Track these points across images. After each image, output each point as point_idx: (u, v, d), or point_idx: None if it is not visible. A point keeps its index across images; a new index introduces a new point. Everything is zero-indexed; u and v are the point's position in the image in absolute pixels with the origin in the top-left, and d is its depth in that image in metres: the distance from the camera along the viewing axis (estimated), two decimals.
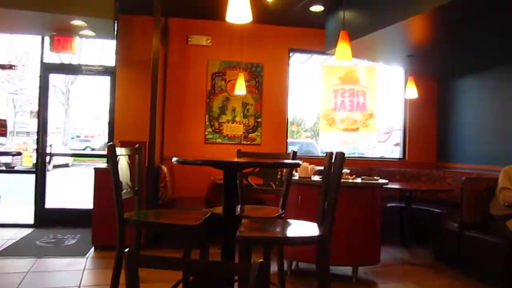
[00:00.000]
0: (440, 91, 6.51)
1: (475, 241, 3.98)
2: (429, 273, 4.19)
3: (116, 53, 5.60)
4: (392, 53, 5.40)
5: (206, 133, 5.76)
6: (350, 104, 6.09)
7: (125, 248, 1.27)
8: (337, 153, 1.91)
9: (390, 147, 6.52)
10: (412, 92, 5.34)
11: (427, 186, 5.34)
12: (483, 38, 4.40)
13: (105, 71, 5.73)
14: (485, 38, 4.39)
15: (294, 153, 2.89)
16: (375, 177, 4.10)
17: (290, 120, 6.42)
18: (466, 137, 5.94)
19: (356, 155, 7.04)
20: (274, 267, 2.89)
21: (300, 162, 2.58)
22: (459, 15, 3.81)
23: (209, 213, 2.34)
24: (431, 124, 6.55)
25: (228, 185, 2.22)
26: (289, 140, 6.33)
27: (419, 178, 5.92)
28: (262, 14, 5.16)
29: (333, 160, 1.97)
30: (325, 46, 5.63)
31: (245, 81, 5.53)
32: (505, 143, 5.21)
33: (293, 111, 15.44)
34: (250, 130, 5.86)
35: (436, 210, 5.06)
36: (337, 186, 1.94)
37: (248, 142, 5.84)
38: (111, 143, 2.47)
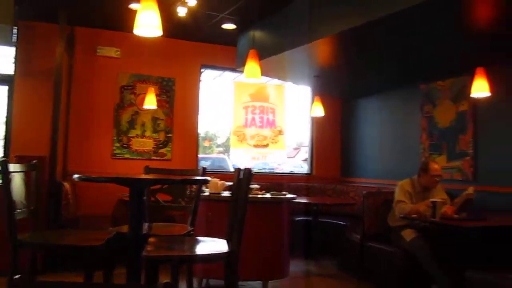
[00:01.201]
0: (344, 110, 6.91)
1: (375, 251, 4.24)
2: (333, 284, 4.38)
3: (15, 61, 5.21)
4: (299, 73, 5.64)
5: (114, 148, 5.53)
6: (260, 121, 6.23)
7: (18, 274, 1.17)
8: (245, 169, 1.94)
9: (299, 163, 6.79)
10: (318, 111, 5.60)
11: (332, 200, 5.61)
12: (382, 62, 4.77)
13: (1, 80, 5.29)
14: (385, 62, 4.76)
15: (204, 169, 2.88)
16: (283, 192, 4.21)
17: (202, 135, 6.40)
18: (368, 154, 6.34)
19: (267, 171, 7.21)
20: (183, 286, 2.83)
21: (209, 178, 2.57)
22: (360, 40, 4.10)
23: (114, 233, 2.24)
24: (336, 141, 6.92)
25: (134, 203, 2.15)
26: (201, 155, 6.30)
27: (325, 192, 6.20)
28: (173, 29, 5.11)
29: (241, 176, 2.00)
30: (236, 63, 5.72)
31: (156, 95, 5.43)
32: (402, 160, 5.64)
33: (205, 127, 15.43)
34: (161, 145, 5.73)
35: (340, 222, 5.32)
36: (245, 202, 1.97)
37: (158, 158, 5.71)
38: (4, 159, 2.27)
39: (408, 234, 3.94)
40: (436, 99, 5.13)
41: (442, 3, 3.15)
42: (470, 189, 3.82)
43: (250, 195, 3.96)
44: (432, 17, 3.44)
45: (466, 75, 4.56)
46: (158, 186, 2.86)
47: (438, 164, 4.16)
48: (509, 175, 4.28)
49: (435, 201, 3.67)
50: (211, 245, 2.15)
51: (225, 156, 10.40)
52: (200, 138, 6.23)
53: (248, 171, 1.94)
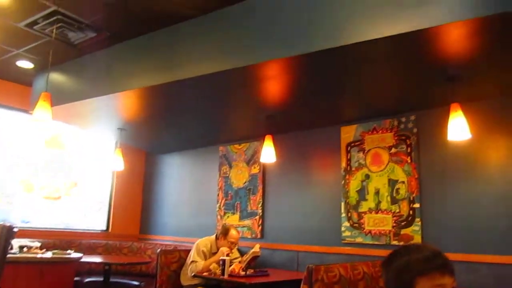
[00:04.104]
0: (148, 165, 6.84)
1: None
2: None
3: None
4: (102, 123, 5.41)
5: None
6: (52, 170, 5.69)
7: None
8: (3, 225, 1.68)
9: (96, 218, 6.35)
10: (120, 164, 5.41)
11: (128, 259, 5.34)
12: (185, 121, 4.91)
13: None
14: (187, 121, 4.90)
15: None
16: (68, 251, 3.84)
17: None
18: (168, 211, 6.31)
19: (59, 227, 6.51)
20: None
21: None
22: (163, 98, 4.17)
23: None
24: (137, 196, 6.74)
25: None
26: None
27: (121, 250, 5.88)
28: None
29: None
30: (30, 105, 5.20)
31: None
32: (199, 218, 5.77)
33: None
34: None
35: (133, 282, 5.07)
36: (1, 263, 1.69)
37: None
38: None
39: None
40: (233, 160, 5.48)
41: (234, 78, 3.44)
42: (257, 247, 4.09)
43: (28, 255, 3.50)
44: (225, 87, 3.72)
45: (258, 140, 5.03)
46: None
47: (237, 232, 4.39)
48: (290, 233, 4.74)
49: (224, 259, 3.82)
50: None
51: (11, 207, 9.06)
52: None
53: (8, 227, 1.69)
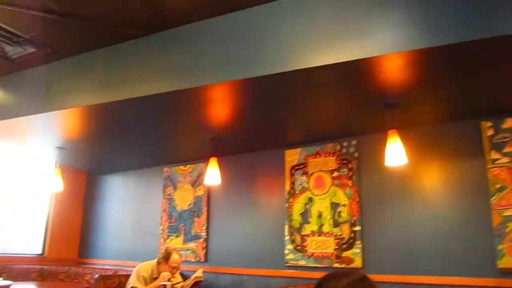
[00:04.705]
0: (89, 186, 6.59)
1: None
2: None
3: None
4: (40, 141, 5.17)
5: None
6: None
7: None
8: None
9: (31, 242, 6.00)
10: (59, 185, 5.17)
11: (64, 285, 5.07)
12: (128, 141, 4.79)
13: None
14: (130, 141, 4.79)
15: None
16: None
17: None
18: (109, 233, 6.08)
19: None
20: None
21: None
22: (105, 118, 4.05)
23: None
24: (76, 219, 6.45)
25: None
26: None
27: (57, 276, 5.57)
28: None
29: None
30: None
31: None
32: (142, 240, 5.60)
33: None
34: None
35: None
36: None
37: None
38: None
39: None
40: (178, 182, 5.40)
41: (179, 99, 3.41)
42: (199, 271, 4.02)
43: None
44: (169, 108, 3.68)
45: (204, 162, 4.99)
46: None
47: (179, 256, 4.27)
48: (234, 256, 4.70)
49: (165, 284, 3.72)
50: None
51: None
52: None
53: None
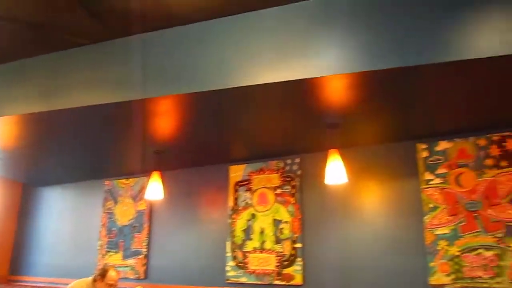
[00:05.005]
0: (24, 198, 6.24)
1: None
2: None
3: None
4: None
5: None
6: None
7: None
8: None
9: None
10: None
11: None
12: (66, 152, 4.59)
13: None
14: (68, 152, 4.60)
15: None
16: None
17: None
18: (45, 249, 5.77)
19: None
20: None
21: None
22: (44, 128, 3.88)
23: None
24: (9, 233, 6.08)
25: None
26: None
27: None
28: None
29: None
30: None
31: None
32: (80, 256, 5.35)
33: None
34: None
35: None
36: None
37: None
38: None
39: None
40: (119, 196, 5.23)
41: (121, 111, 3.33)
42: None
43: None
44: (111, 119, 3.58)
45: (147, 176, 4.87)
46: None
47: (117, 273, 4.10)
48: (175, 273, 4.59)
49: None
50: None
51: None
52: None
53: None
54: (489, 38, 2.41)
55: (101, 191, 5.41)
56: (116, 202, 5.23)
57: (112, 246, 5.09)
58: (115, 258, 4.99)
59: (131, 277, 4.82)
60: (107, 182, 5.37)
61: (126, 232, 5.04)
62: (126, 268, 4.87)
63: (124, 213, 5.12)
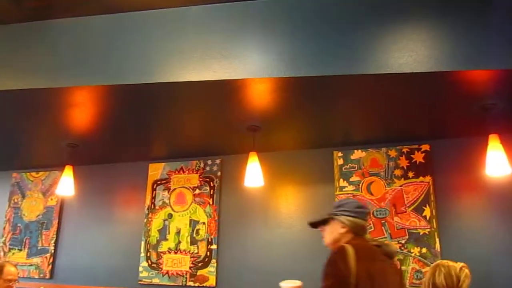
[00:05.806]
0: None
1: None
2: None
3: None
4: None
5: None
6: None
7: None
8: None
9: None
10: None
11: None
12: None
13: None
14: None
15: None
16: None
17: None
18: None
19: None
20: None
21: None
22: None
23: None
24: None
25: None
26: None
27: None
28: None
29: None
30: None
31: None
32: None
33: None
34: None
35: None
36: None
37: None
38: None
39: None
40: (27, 190, 4.89)
41: (32, 99, 3.12)
42: None
43: None
44: (20, 107, 3.34)
45: (59, 170, 4.59)
46: None
47: (15, 268, 3.81)
48: (84, 272, 4.38)
49: None
50: None
51: None
52: None
53: None
54: (402, 56, 2.55)
55: (8, 184, 5.02)
56: (24, 196, 4.88)
57: (16, 243, 4.74)
58: (18, 256, 4.66)
59: (36, 277, 4.53)
60: (14, 175, 4.99)
61: (33, 228, 4.72)
62: (30, 267, 4.56)
63: (32, 208, 4.79)
